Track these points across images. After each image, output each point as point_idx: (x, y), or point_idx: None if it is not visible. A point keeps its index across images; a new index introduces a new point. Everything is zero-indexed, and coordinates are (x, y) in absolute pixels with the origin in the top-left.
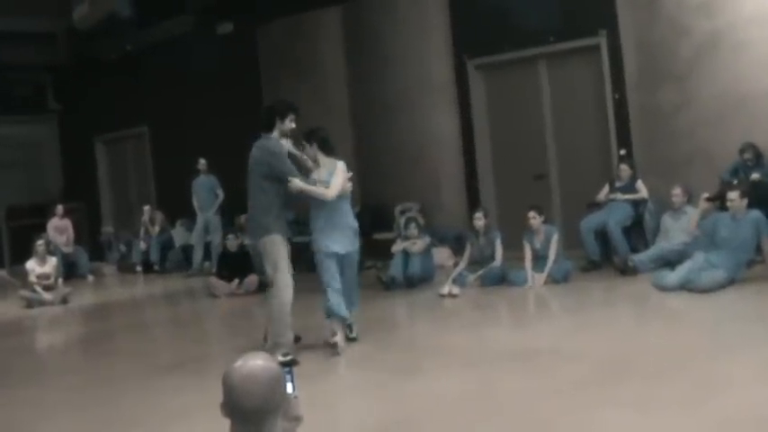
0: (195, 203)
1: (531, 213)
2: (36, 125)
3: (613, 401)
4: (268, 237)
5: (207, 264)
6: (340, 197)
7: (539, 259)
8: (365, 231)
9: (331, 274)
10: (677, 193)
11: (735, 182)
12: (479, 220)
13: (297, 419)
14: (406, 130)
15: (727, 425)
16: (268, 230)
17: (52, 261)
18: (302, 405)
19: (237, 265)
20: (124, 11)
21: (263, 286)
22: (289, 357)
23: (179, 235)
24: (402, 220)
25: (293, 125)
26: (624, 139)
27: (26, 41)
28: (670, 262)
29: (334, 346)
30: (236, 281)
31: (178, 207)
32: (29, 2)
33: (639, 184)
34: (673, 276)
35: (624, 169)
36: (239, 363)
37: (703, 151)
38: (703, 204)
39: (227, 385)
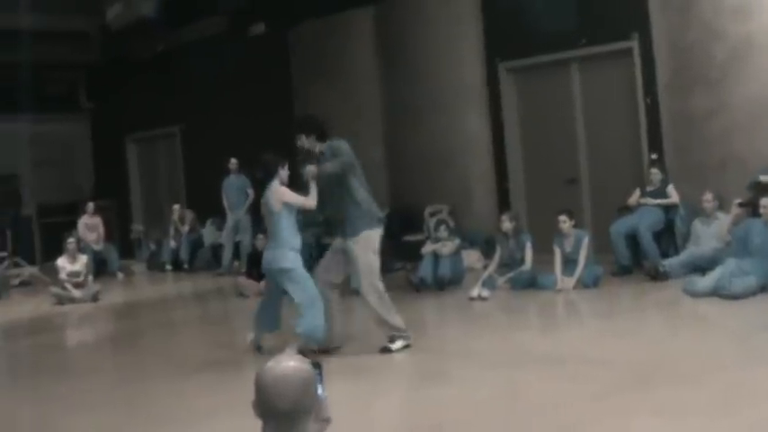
0: (225, 203)
1: (562, 217)
2: (68, 123)
3: (643, 408)
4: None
5: (236, 263)
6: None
7: (568, 263)
8: (395, 233)
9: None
10: (708, 198)
11: None
12: (505, 223)
13: (326, 421)
14: (436, 133)
15: None
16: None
17: (83, 259)
18: (331, 407)
19: None
20: (154, 16)
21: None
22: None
23: (209, 234)
24: (432, 222)
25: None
26: (655, 143)
27: (59, 40)
28: (701, 268)
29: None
30: (266, 280)
31: (208, 206)
32: (62, 0)
33: (671, 188)
34: (704, 282)
35: (655, 174)
36: (271, 363)
37: (736, 156)
38: (735, 210)
39: (260, 386)
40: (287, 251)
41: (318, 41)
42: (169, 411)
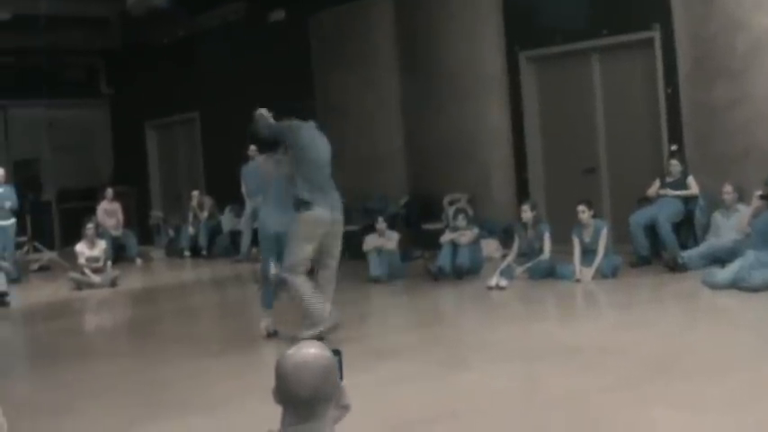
0: (244, 190)
1: (581, 207)
2: (88, 109)
3: (660, 400)
4: None
5: (254, 250)
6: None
7: (587, 253)
8: (414, 221)
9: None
10: (728, 190)
11: None
12: (526, 213)
13: (345, 408)
14: (456, 121)
15: None
16: None
17: (101, 244)
18: (349, 395)
19: None
20: (173, 2)
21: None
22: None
23: (227, 221)
24: (451, 211)
25: None
26: (676, 134)
27: (79, 25)
28: (720, 259)
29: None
30: None
31: (227, 193)
32: None
33: (690, 180)
34: (723, 274)
35: (675, 165)
36: (292, 350)
37: (757, 148)
38: (756, 202)
39: (280, 373)
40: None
41: (339, 29)
42: (187, 396)
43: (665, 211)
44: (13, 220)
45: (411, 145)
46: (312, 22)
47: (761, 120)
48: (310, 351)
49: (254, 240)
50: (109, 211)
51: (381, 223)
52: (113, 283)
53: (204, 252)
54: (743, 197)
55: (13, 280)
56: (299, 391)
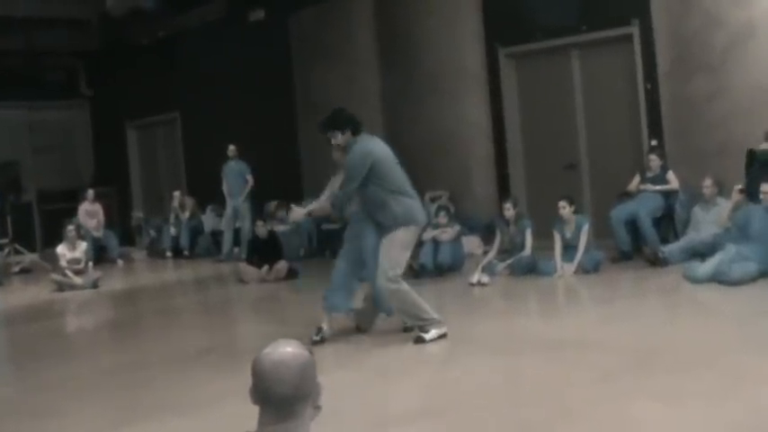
0: (225, 189)
1: (562, 203)
2: (68, 110)
3: (641, 393)
4: None
5: (236, 250)
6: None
7: (568, 249)
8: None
9: None
10: (708, 184)
11: None
12: (509, 210)
13: (317, 408)
14: (436, 118)
15: (755, 419)
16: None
17: (82, 246)
18: (329, 393)
19: (267, 251)
20: (153, 2)
21: (293, 273)
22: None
23: (209, 221)
24: (432, 208)
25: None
26: (655, 129)
27: (59, 27)
28: (700, 253)
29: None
30: (266, 267)
31: (208, 193)
32: None
33: (670, 174)
34: (704, 268)
35: (654, 160)
36: (269, 349)
37: (736, 142)
38: (736, 196)
39: (257, 372)
40: None
41: (318, 27)
42: (171, 397)
43: (645, 206)
44: None
45: (391, 142)
46: (292, 20)
47: (739, 114)
48: (287, 349)
49: (236, 240)
50: (90, 212)
51: None
52: (95, 285)
53: (186, 252)
54: (722, 191)
55: None
56: (279, 390)
